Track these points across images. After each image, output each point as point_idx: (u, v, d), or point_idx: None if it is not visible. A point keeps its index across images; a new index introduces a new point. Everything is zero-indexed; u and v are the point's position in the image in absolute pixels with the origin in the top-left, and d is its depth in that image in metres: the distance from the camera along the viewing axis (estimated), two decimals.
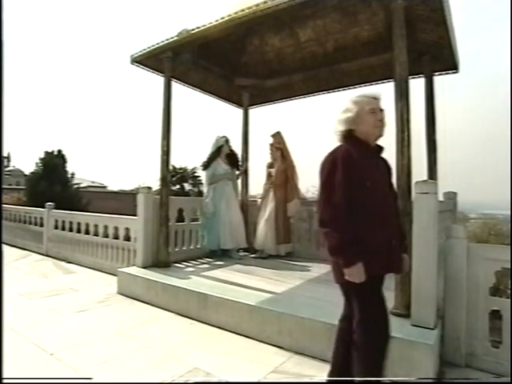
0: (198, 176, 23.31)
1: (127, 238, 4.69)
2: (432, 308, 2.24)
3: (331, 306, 2.67)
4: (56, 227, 6.07)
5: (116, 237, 4.88)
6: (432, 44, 3.46)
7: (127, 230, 4.71)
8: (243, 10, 3.06)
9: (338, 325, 1.85)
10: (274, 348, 2.48)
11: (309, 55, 4.78)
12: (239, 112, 5.54)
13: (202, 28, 3.38)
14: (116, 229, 4.89)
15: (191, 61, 4.15)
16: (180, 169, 24.48)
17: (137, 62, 4.08)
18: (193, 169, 24.57)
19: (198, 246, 4.78)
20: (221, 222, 4.67)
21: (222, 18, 3.21)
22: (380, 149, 1.81)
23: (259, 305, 2.73)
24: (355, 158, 1.63)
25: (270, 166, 5.02)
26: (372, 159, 1.73)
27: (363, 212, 1.61)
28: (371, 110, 1.70)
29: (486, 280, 2.36)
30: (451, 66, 3.77)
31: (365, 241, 1.59)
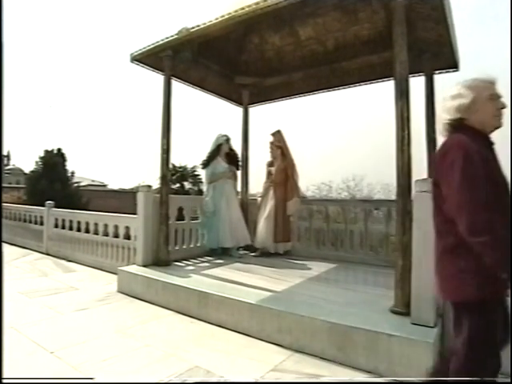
0: (198, 175, 23.34)
1: (127, 237, 4.69)
2: (432, 306, 2.25)
3: (331, 305, 2.69)
4: (56, 226, 6.07)
5: (116, 235, 4.88)
6: (432, 42, 3.46)
7: (127, 228, 4.71)
8: (243, 9, 3.05)
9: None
10: (273, 346, 2.48)
11: (309, 53, 4.77)
12: (239, 110, 5.54)
13: (202, 26, 3.37)
14: (116, 227, 4.89)
15: (191, 59, 4.14)
16: (180, 167, 24.50)
17: (137, 61, 4.08)
18: (193, 167, 24.60)
19: (198, 245, 4.78)
20: (221, 221, 4.67)
21: (222, 17, 3.20)
22: (492, 142, 1.52)
23: (259, 303, 2.73)
24: (481, 151, 1.37)
25: (270, 164, 5.02)
26: (490, 153, 1.47)
27: (498, 216, 1.30)
28: (490, 97, 1.45)
29: None
30: (451, 64, 3.77)
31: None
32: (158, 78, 4.10)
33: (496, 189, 1.34)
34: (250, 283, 3.31)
